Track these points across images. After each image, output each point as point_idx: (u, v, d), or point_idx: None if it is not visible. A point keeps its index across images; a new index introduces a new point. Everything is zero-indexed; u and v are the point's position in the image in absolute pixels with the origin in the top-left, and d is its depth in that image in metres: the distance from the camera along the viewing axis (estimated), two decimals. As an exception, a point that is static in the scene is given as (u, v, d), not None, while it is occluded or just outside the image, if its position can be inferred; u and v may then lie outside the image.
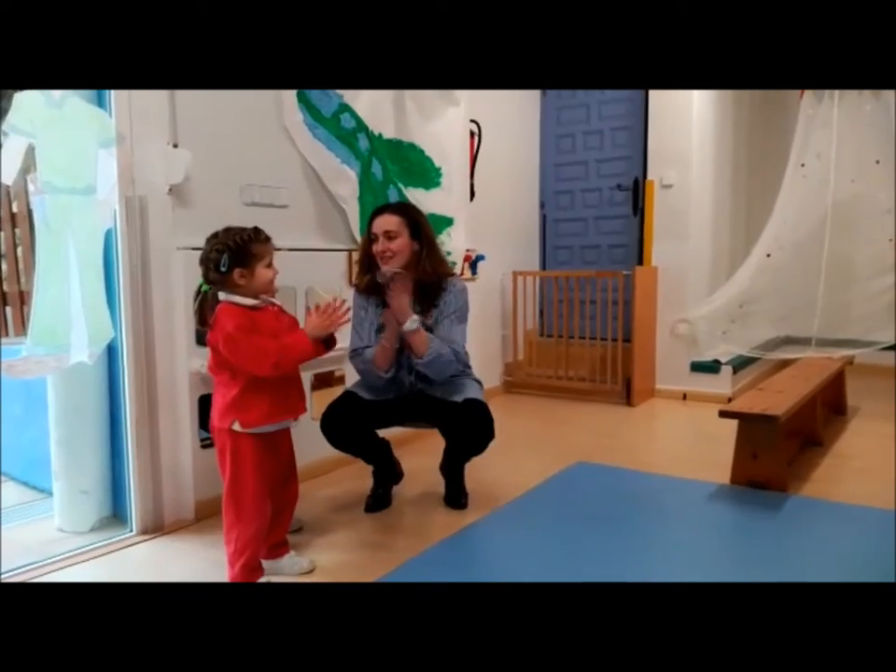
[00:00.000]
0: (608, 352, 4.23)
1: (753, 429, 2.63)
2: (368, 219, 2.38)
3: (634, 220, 4.56)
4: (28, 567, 2.08)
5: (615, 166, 4.60)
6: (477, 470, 2.69)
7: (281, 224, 2.72)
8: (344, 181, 2.91)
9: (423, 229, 2.37)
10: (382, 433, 2.53)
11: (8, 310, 3.68)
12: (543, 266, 4.96)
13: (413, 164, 3.27)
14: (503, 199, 4.53)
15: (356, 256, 2.93)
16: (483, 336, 4.33)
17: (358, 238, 2.99)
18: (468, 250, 3.64)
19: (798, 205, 4.14)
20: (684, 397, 4.30)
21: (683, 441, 3.49)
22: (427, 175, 3.33)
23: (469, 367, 2.58)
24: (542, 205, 4.93)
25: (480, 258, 3.75)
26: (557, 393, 4.44)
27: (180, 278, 2.33)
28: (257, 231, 1.86)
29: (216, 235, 1.87)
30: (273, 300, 1.94)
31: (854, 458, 3.01)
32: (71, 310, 2.10)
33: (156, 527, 2.34)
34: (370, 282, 2.38)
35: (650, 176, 4.32)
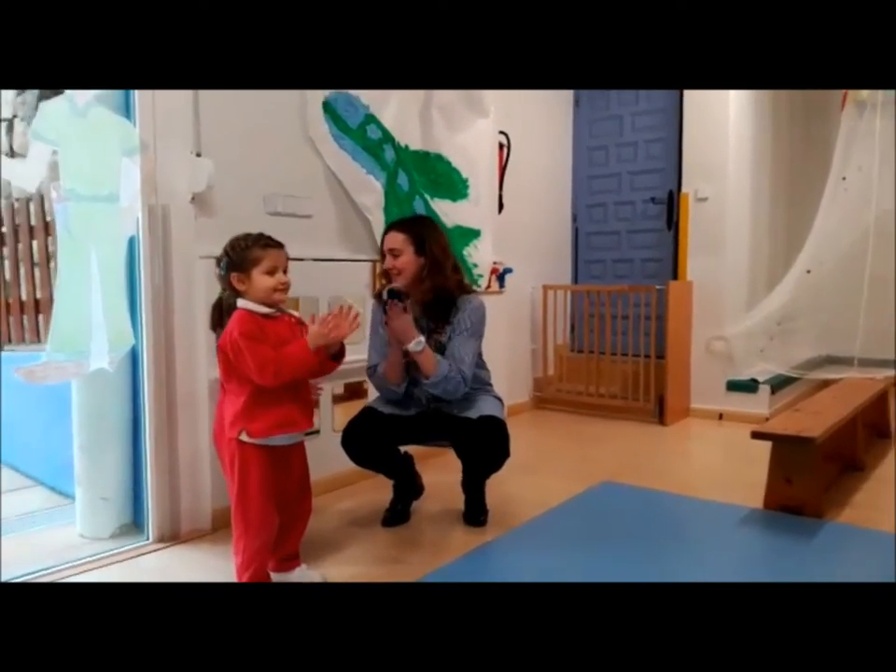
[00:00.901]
0: (640, 369, 4.13)
1: (787, 452, 2.51)
2: (382, 234, 2.37)
3: (668, 234, 4.46)
4: (41, 573, 2.08)
5: (649, 179, 4.51)
6: (499, 487, 2.62)
7: (305, 234, 2.72)
8: (369, 191, 2.89)
9: (429, 245, 2.31)
10: (404, 448, 2.50)
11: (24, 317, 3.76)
12: (575, 280, 4.88)
13: (440, 176, 3.24)
14: (534, 211, 4.48)
15: (380, 267, 2.92)
16: (512, 350, 4.27)
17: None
18: (495, 263, 3.60)
19: (839, 219, 4.00)
20: (720, 417, 4.17)
21: (716, 462, 3.37)
22: (453, 186, 3.30)
23: (490, 384, 2.51)
24: (574, 218, 4.86)
25: (507, 270, 3.70)
26: (588, 410, 4.34)
27: (202, 287, 2.33)
28: (259, 237, 1.83)
29: (229, 241, 1.86)
30: (291, 311, 1.92)
31: (897, 484, 2.86)
32: (91, 317, 2.12)
33: (172, 536, 2.32)
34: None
35: (684, 189, 4.23)
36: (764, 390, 4.06)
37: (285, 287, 1.81)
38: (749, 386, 4.08)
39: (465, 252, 3.36)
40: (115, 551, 2.25)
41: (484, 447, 2.29)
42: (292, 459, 1.89)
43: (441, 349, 2.33)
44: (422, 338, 2.21)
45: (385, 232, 2.35)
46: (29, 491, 3.01)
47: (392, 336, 2.24)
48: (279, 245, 1.84)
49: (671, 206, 4.41)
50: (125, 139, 2.15)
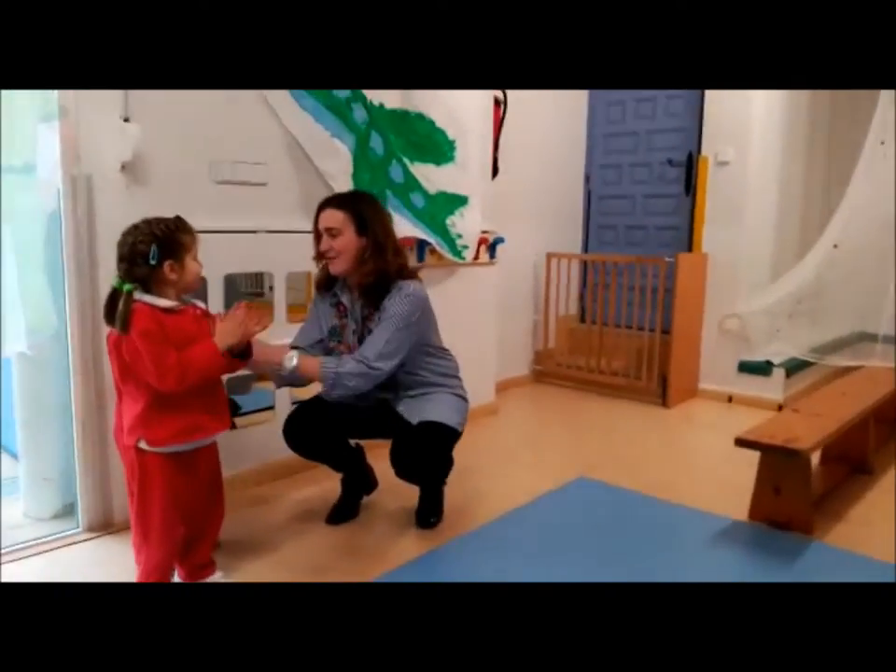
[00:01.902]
0: (645, 344, 3.86)
1: (776, 460, 2.27)
2: (316, 210, 2.13)
3: (686, 200, 4.11)
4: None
5: (667, 139, 4.14)
6: (466, 481, 2.44)
7: (259, 204, 2.52)
8: (334, 156, 2.65)
9: (372, 224, 2.08)
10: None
11: None
12: (586, 247, 4.58)
13: (422, 137, 2.98)
14: (542, 172, 4.17)
15: (314, 249, 2.70)
16: (513, 321, 4.05)
17: (351, 219, 2.74)
18: (484, 232, 3.34)
19: (875, 187, 3.60)
20: (729, 399, 3.90)
21: (713, 455, 3.12)
22: (437, 148, 3.03)
23: (455, 377, 2.29)
24: (587, 179, 4.53)
25: (499, 240, 3.44)
26: (588, 386, 4.11)
27: (134, 264, 2.16)
28: (179, 220, 1.67)
29: (136, 227, 1.67)
30: (197, 301, 1.74)
31: (905, 495, 2.59)
32: (6, 299, 1.97)
33: (103, 525, 2.22)
34: (321, 278, 2.17)
35: (704, 152, 3.86)
36: (779, 373, 3.76)
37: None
38: (763, 368, 3.79)
39: (448, 221, 3.12)
40: (45, 539, 2.16)
41: (415, 458, 2.11)
42: (199, 462, 1.73)
43: None
44: (292, 353, 1.99)
45: (321, 209, 2.10)
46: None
47: (261, 369, 2.07)
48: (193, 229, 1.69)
49: (690, 170, 4.05)
50: (41, 103, 1.97)
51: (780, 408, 3.64)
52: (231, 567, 1.97)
